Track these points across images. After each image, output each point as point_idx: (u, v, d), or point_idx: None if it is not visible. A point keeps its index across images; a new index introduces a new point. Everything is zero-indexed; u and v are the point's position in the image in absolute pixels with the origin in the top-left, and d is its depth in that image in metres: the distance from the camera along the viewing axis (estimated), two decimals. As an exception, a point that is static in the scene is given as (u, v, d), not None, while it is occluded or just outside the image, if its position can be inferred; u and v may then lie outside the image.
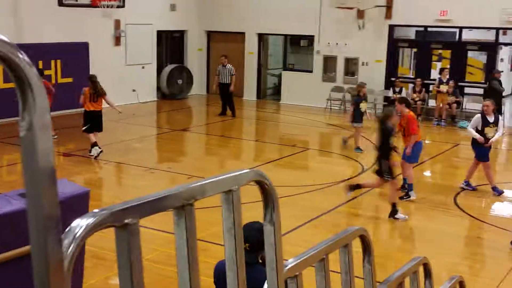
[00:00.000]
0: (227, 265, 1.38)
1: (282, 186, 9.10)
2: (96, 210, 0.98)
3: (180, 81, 19.12)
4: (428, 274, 2.61)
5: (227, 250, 1.37)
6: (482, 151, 9.21)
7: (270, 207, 1.52)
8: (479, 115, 9.32)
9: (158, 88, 18.91)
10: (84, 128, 10.98)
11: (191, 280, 1.23)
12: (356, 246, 2.05)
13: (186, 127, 15.07)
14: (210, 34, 20.23)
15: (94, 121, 10.92)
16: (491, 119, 9.16)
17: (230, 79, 16.13)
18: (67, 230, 0.94)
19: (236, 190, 1.35)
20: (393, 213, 7.84)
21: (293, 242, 6.52)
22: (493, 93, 14.58)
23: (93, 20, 16.20)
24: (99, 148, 10.89)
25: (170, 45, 19.98)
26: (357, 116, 11.93)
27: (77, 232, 0.94)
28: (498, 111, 14.69)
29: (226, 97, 16.28)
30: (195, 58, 20.16)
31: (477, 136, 9.06)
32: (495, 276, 5.92)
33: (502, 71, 16.72)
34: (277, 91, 19.96)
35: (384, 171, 7.90)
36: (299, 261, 1.71)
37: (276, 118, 17.17)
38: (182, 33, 19.86)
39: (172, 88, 18.92)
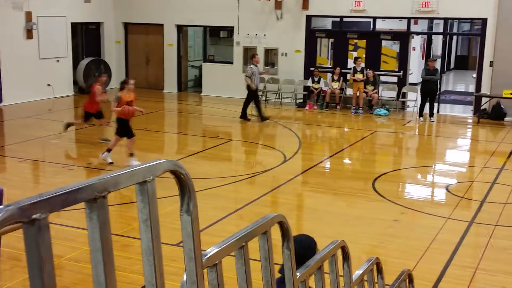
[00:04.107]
0: (144, 258, 1.35)
1: (207, 178, 9.10)
2: (1, 206, 0.94)
3: (97, 75, 18.65)
4: (346, 256, 2.69)
5: (144, 242, 1.35)
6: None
7: (187, 197, 1.51)
8: None
9: (75, 82, 18.35)
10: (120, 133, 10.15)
11: (106, 274, 1.20)
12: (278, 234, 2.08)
13: (105, 121, 14.72)
14: (127, 26, 19.82)
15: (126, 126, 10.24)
16: None
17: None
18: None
19: (151, 181, 1.33)
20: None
21: (218, 233, 6.54)
22: (427, 82, 15.25)
23: (2, 12, 15.49)
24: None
25: (86, 37, 19.41)
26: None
27: (-18, 229, 0.90)
28: (431, 100, 15.35)
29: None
30: (112, 50, 19.71)
31: None
32: (411, 257, 6.18)
33: (435, 60, 17.38)
34: (198, 83, 19.87)
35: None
36: (218, 250, 1.72)
37: (198, 110, 17.10)
38: (98, 25, 19.34)
39: (90, 82, 18.42)
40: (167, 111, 16.87)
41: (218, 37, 20.14)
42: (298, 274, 2.25)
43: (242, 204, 8.10)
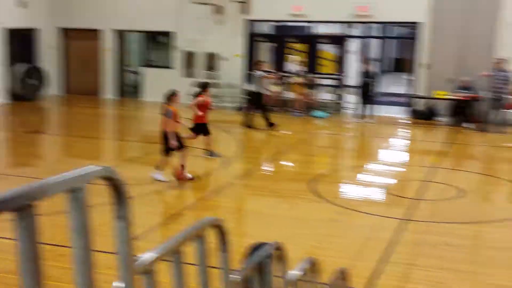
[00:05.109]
0: (75, 268, 1.35)
1: (145, 184, 9.03)
2: None
3: (32, 82, 18.17)
4: (281, 257, 2.76)
5: (75, 251, 1.35)
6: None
7: (120, 203, 1.53)
8: None
9: (10, 89, 17.82)
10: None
11: (35, 284, 1.21)
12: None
13: (40, 129, 14.37)
14: (64, 32, 19.41)
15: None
16: None
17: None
18: None
19: (83, 188, 1.34)
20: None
21: (156, 239, 6.51)
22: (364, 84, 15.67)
23: None
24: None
25: (21, 43, 18.88)
26: None
27: None
28: (368, 102, 15.74)
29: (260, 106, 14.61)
30: (49, 57, 19.25)
31: None
32: (348, 255, 6.34)
33: (373, 62, 17.82)
34: (137, 88, 19.67)
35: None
36: (152, 255, 1.74)
37: (138, 115, 16.93)
38: (33, 31, 18.86)
39: (24, 89, 17.92)
40: (105, 117, 16.61)
41: (157, 41, 20.01)
42: (231, 276, 2.29)
43: (180, 209, 8.08)
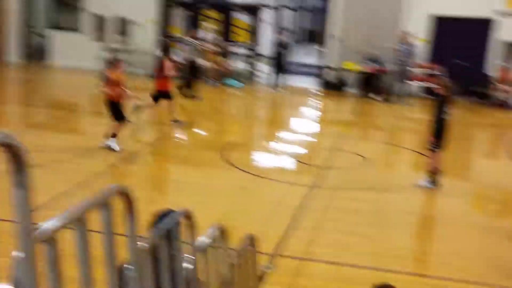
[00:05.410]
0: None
1: (51, 152, 8.73)
2: None
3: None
4: (190, 224, 2.77)
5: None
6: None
7: (20, 170, 1.48)
8: None
9: None
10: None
11: None
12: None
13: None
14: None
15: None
16: None
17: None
18: None
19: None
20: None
21: (61, 208, 6.34)
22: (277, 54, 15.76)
23: None
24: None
25: None
26: None
27: None
28: (281, 72, 15.88)
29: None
30: None
31: None
32: (258, 222, 6.47)
33: (286, 33, 17.85)
34: (44, 52, 18.81)
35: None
36: (55, 224, 1.70)
37: (44, 80, 16.23)
38: None
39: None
40: (8, 81, 15.81)
41: (65, 3, 19.14)
42: (138, 243, 2.28)
43: (87, 177, 7.88)
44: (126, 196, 2.25)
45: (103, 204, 2.05)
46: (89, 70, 16.91)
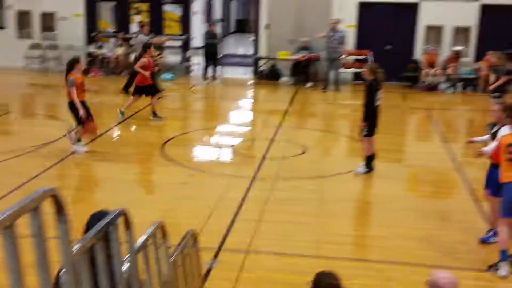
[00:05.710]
0: None
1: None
2: None
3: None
4: (127, 224, 2.67)
5: None
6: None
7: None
8: None
9: None
10: None
11: None
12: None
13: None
14: None
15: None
16: None
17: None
18: None
19: None
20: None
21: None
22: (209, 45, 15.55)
23: None
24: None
25: None
26: None
27: None
28: (213, 63, 15.72)
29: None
30: None
31: None
32: (200, 216, 6.38)
33: (216, 23, 17.65)
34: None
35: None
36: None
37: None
38: None
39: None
40: None
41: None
42: (78, 245, 2.17)
43: (26, 179, 7.56)
44: (56, 198, 2.13)
45: (33, 208, 1.94)
46: (16, 69, 16.27)
